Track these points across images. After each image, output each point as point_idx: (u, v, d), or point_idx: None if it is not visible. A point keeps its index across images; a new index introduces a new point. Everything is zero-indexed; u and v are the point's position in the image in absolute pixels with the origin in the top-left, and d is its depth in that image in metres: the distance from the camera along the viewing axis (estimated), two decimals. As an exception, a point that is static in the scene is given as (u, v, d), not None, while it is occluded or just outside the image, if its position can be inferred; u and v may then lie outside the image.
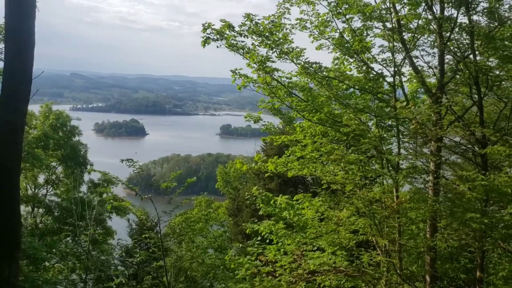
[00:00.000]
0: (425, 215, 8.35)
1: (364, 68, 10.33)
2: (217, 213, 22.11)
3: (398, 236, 8.67)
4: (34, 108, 29.99)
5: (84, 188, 26.80)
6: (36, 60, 5.98)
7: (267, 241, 11.19)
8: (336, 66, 10.90)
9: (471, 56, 8.86)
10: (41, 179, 26.92)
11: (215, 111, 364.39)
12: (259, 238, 11.37)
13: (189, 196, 16.16)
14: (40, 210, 25.15)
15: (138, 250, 14.89)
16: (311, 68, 9.86)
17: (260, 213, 11.67)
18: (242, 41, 9.48)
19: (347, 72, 10.74)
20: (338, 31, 9.91)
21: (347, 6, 9.46)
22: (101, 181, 27.10)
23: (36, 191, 26.25)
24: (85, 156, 28.31)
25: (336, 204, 10.02)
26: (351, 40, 9.88)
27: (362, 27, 9.97)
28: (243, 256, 10.77)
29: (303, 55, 9.79)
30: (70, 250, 19.70)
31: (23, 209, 25.03)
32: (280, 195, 11.58)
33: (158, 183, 12.40)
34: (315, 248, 10.02)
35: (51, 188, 27.04)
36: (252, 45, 9.50)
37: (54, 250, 18.92)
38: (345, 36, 10.00)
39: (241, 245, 14.39)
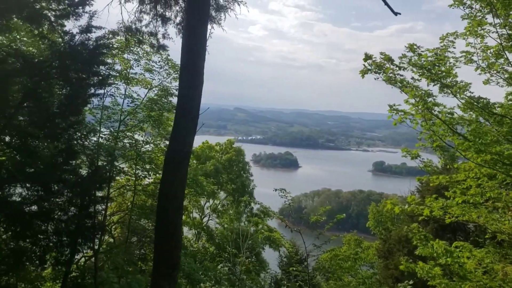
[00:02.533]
0: None
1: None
2: (367, 253, 21.24)
3: None
4: (206, 138, 33.64)
5: (243, 218, 28.57)
6: (205, 96, 6.71)
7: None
8: (510, 103, 9.83)
9: None
10: (206, 204, 29.54)
11: (368, 146, 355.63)
12: (411, 282, 10.60)
13: (339, 232, 15.94)
14: (204, 235, 27.41)
15: (285, 282, 15.11)
16: (477, 104, 9.07)
17: (417, 253, 10.86)
18: (401, 75, 9.20)
19: (523, 108, 9.59)
20: (510, 64, 8.98)
21: (521, 37, 8.56)
22: (259, 212, 28.69)
23: (202, 216, 28.78)
24: (252, 193, 30.56)
25: (503, 257, 8.86)
26: (526, 74, 8.85)
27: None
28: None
29: (468, 89, 9.08)
30: (224, 275, 20.87)
31: (188, 231, 27.56)
32: (437, 240, 10.67)
33: (308, 216, 12.48)
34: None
35: (215, 216, 29.44)
36: (411, 78, 9.14)
37: (209, 273, 20.28)
38: (519, 69, 9.01)
39: (391, 290, 13.56)
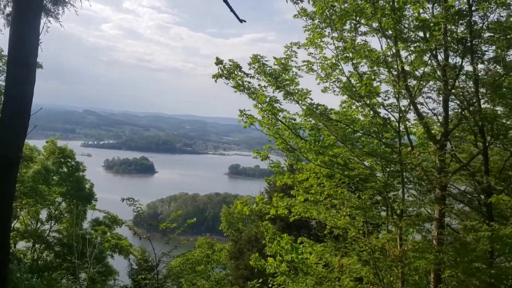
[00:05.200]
0: (429, 265, 8.02)
1: (371, 112, 10.26)
2: (220, 255, 21.59)
3: (401, 286, 8.32)
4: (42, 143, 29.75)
5: (86, 224, 26.25)
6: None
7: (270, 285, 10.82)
8: (344, 109, 10.86)
9: (477, 104, 8.75)
10: (44, 214, 26.35)
11: (224, 150, 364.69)
12: (260, 280, 11.03)
13: (194, 236, 15.86)
14: (41, 246, 24.64)
15: (134, 291, 14.52)
16: (316, 110, 9.83)
17: (268, 253, 11.32)
18: (249, 82, 9.55)
19: (355, 116, 10.68)
20: (344, 75, 9.93)
21: (354, 51, 9.52)
22: (106, 220, 26.57)
23: (38, 226, 25.73)
24: (91, 191, 27.71)
25: (339, 250, 9.72)
26: (357, 84, 9.87)
27: (369, 72, 9.98)
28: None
29: (309, 97, 9.80)
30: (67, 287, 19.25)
31: (24, 244, 24.62)
32: (285, 235, 11.29)
33: (162, 222, 12.19)
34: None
35: (54, 224, 26.43)
36: (258, 86, 9.55)
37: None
38: (352, 80, 10.01)
39: (240, 289, 13.97)
